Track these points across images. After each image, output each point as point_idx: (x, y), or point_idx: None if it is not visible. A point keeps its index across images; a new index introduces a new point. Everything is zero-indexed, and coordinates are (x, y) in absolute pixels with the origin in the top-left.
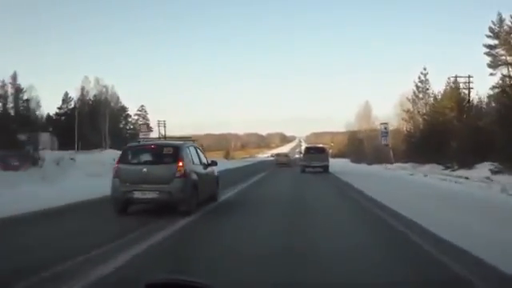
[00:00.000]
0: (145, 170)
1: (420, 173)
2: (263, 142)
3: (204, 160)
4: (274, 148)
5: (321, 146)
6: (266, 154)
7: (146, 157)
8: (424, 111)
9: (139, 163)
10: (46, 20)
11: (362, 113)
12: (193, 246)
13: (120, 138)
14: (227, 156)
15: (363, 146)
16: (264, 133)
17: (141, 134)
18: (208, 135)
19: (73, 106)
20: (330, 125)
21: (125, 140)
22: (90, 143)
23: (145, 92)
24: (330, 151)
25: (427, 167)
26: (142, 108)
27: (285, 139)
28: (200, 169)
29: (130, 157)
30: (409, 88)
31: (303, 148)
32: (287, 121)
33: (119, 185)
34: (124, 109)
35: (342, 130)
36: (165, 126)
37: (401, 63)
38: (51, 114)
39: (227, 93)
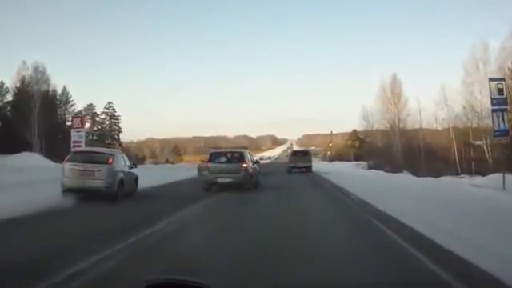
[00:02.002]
0: (224, 165)
1: None
2: (254, 144)
3: (253, 159)
4: (264, 151)
5: (305, 149)
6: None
7: (224, 158)
8: None
9: (220, 162)
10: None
11: (387, 91)
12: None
13: (61, 138)
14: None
15: (389, 144)
16: (254, 135)
17: (72, 130)
18: (196, 138)
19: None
20: (322, 127)
21: (63, 140)
22: (22, 144)
23: (129, 92)
24: (328, 153)
25: None
26: (109, 106)
27: (276, 142)
28: (252, 165)
29: (214, 158)
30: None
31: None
32: (279, 123)
33: (208, 174)
34: (91, 107)
35: (335, 131)
36: (118, 120)
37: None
38: None
39: (217, 95)
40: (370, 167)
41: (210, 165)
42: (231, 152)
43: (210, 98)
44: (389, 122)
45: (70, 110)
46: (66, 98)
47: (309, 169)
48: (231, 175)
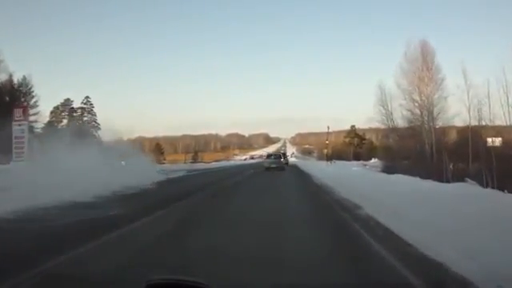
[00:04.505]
0: (273, 159)
1: None
2: (246, 143)
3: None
4: (256, 149)
5: (282, 152)
6: (245, 156)
7: (273, 156)
8: None
9: (271, 158)
10: None
11: (414, 64)
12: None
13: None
14: (195, 159)
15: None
16: (246, 133)
17: (14, 123)
18: (185, 136)
19: None
20: (316, 125)
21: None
22: None
23: (120, 91)
24: (325, 151)
25: None
26: (87, 100)
27: (269, 140)
28: (284, 158)
29: (268, 156)
30: None
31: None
32: (272, 121)
33: (267, 163)
34: (68, 102)
35: (330, 129)
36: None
37: None
38: None
39: (208, 92)
40: (389, 171)
41: (267, 159)
42: (276, 154)
43: (201, 96)
44: (420, 107)
45: (31, 102)
46: (26, 90)
47: (286, 163)
48: (276, 164)
